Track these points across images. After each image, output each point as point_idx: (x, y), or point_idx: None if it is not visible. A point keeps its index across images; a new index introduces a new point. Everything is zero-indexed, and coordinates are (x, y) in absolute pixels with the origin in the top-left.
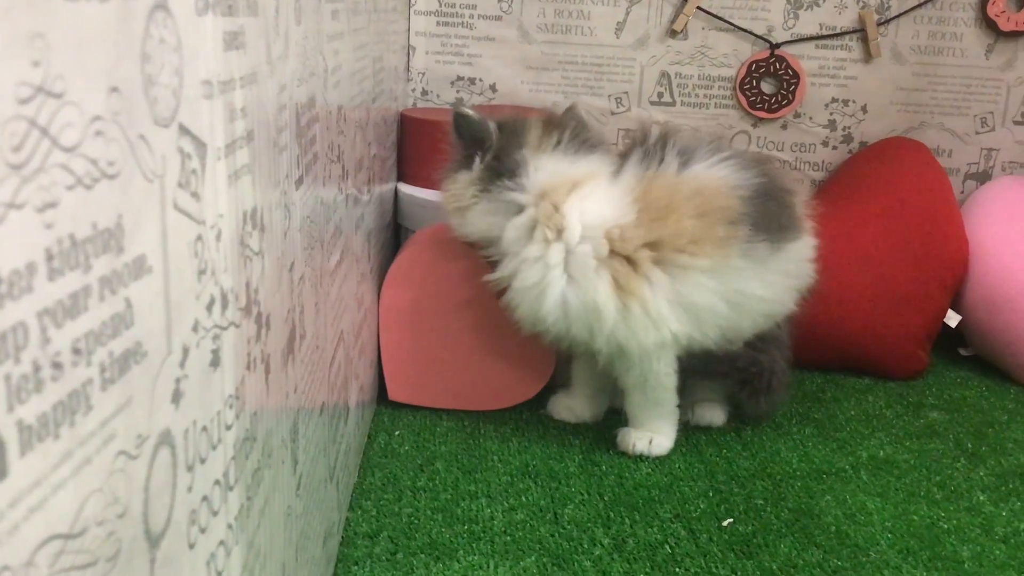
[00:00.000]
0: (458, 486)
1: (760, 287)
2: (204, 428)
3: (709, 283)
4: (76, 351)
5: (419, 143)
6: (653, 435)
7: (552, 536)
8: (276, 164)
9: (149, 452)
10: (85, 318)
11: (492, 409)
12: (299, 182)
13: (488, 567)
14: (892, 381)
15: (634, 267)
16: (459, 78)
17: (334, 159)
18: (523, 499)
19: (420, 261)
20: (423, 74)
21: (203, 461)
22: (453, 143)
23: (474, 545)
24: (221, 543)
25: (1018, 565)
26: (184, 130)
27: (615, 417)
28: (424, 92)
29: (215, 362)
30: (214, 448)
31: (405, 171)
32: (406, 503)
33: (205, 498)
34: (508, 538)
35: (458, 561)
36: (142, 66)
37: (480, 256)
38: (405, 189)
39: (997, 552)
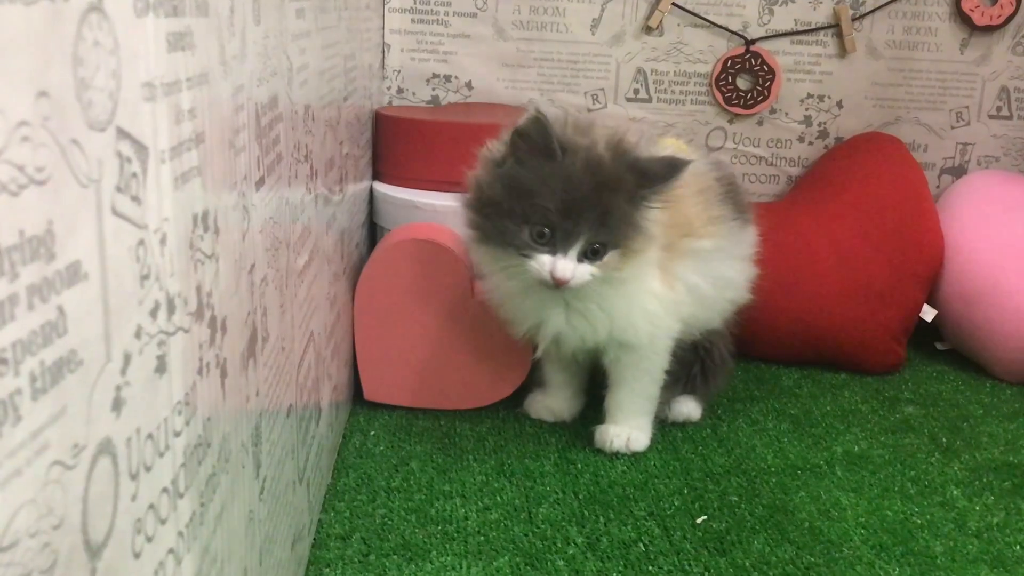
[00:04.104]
0: (432, 486)
1: (730, 269)
2: (150, 436)
3: (704, 264)
4: (2, 361)
5: (395, 141)
6: (631, 431)
7: (526, 535)
8: (232, 165)
9: (87, 462)
10: (12, 327)
11: (468, 408)
12: (260, 183)
13: (461, 567)
14: (868, 376)
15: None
16: (435, 76)
17: (301, 159)
18: (498, 499)
19: (395, 260)
20: (398, 72)
21: (148, 469)
22: None
23: (447, 545)
24: (171, 551)
25: (990, 560)
26: (123, 133)
27: (592, 415)
28: (400, 90)
29: (161, 368)
30: (161, 455)
31: (380, 169)
32: (380, 504)
33: (152, 506)
34: (482, 538)
35: (431, 562)
36: (74, 69)
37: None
38: (380, 188)
39: (970, 547)
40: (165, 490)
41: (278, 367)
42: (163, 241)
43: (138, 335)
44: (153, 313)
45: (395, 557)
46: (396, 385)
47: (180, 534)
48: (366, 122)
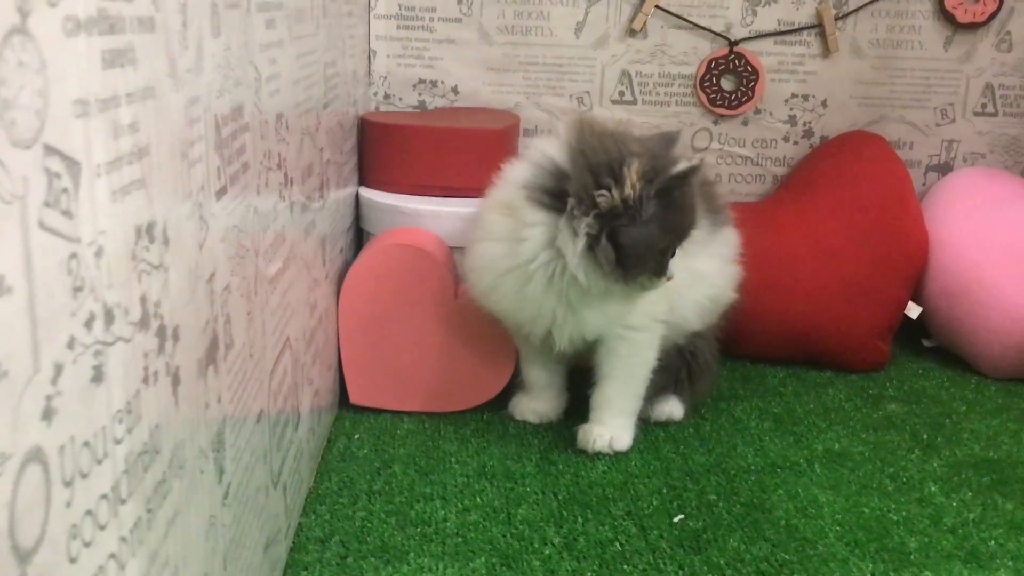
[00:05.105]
0: (414, 488)
1: (704, 264)
2: (86, 443)
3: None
4: None
5: (379, 147)
6: (614, 431)
7: (504, 536)
8: (186, 176)
9: (14, 470)
10: None
11: (453, 411)
12: (221, 192)
13: (437, 569)
14: (854, 374)
15: None
16: (421, 81)
17: (272, 167)
18: (477, 500)
19: (378, 265)
20: (385, 78)
21: (85, 476)
22: None
23: (425, 547)
24: (112, 556)
25: (964, 556)
26: (51, 150)
27: (574, 416)
28: (387, 96)
29: (98, 378)
30: (99, 463)
31: (366, 175)
32: (360, 507)
33: (89, 512)
34: (459, 539)
35: (408, 564)
36: None
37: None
38: (366, 193)
39: (944, 543)
40: (104, 496)
41: (245, 373)
42: (99, 253)
43: (71, 346)
44: (88, 324)
45: (372, 559)
46: (381, 388)
47: (123, 539)
48: (350, 128)
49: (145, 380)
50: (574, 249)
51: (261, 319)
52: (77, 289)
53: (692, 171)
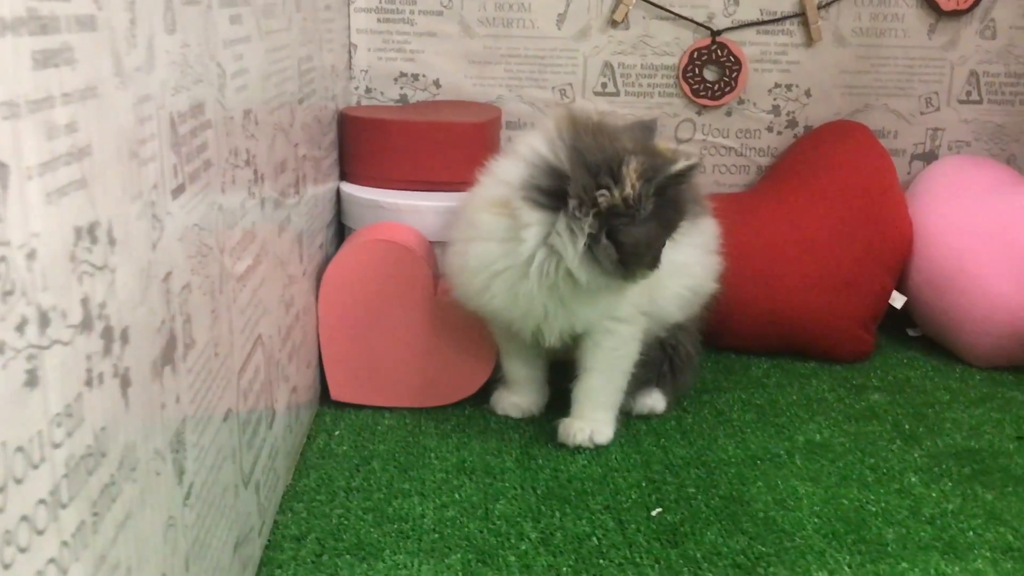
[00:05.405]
0: (392, 485)
1: (681, 255)
2: (19, 449)
3: None
4: None
5: (359, 141)
6: (595, 424)
7: (481, 532)
8: (136, 176)
9: None
10: None
11: (434, 406)
12: (179, 191)
13: (413, 566)
14: (838, 364)
15: None
16: (402, 74)
17: (240, 164)
18: (456, 496)
19: (357, 260)
20: (366, 71)
21: (20, 481)
22: None
23: (401, 544)
24: (51, 561)
25: (942, 546)
26: None
27: (556, 410)
28: (368, 90)
29: (32, 382)
30: (36, 468)
31: (347, 170)
32: (338, 504)
33: (25, 518)
34: (436, 536)
35: (383, 561)
36: None
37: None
38: (347, 188)
39: (922, 533)
40: (42, 501)
41: (209, 373)
42: (31, 256)
43: (1, 350)
44: (20, 328)
45: (348, 557)
46: (362, 385)
47: (65, 544)
48: (329, 123)
49: (88, 383)
50: (575, 249)
51: (228, 317)
52: (7, 293)
53: (690, 169)
